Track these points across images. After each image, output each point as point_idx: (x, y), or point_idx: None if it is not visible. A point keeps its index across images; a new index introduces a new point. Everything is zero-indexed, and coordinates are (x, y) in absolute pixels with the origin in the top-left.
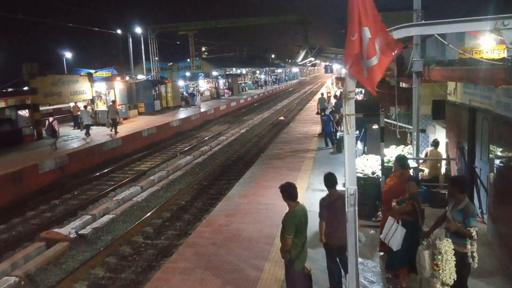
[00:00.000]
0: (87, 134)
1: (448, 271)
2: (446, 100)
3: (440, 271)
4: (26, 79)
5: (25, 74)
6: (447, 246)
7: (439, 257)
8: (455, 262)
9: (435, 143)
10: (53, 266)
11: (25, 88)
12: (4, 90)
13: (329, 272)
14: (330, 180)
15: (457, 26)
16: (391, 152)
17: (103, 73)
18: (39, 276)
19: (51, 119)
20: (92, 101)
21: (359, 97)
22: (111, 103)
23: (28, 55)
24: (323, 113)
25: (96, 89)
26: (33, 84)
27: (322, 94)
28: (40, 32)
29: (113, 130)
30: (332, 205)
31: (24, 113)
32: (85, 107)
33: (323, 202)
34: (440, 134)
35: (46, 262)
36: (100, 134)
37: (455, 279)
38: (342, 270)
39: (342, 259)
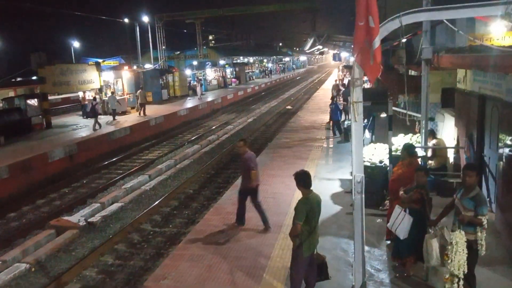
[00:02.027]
0: (114, 119)
1: (457, 263)
2: (455, 88)
3: (449, 262)
4: (35, 69)
5: (34, 63)
6: (458, 238)
7: (449, 247)
8: (466, 255)
9: (432, 133)
10: (63, 253)
11: (34, 78)
12: (13, 80)
13: None
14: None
15: (467, 11)
16: (399, 141)
17: (111, 62)
18: (49, 263)
19: (94, 102)
20: (100, 90)
21: (367, 86)
22: (110, 94)
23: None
24: (331, 102)
25: (104, 78)
26: (41, 74)
27: (335, 81)
28: (47, 21)
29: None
30: None
31: (33, 102)
32: (112, 93)
33: None
34: (449, 122)
35: (56, 249)
36: (108, 122)
37: (465, 271)
38: None
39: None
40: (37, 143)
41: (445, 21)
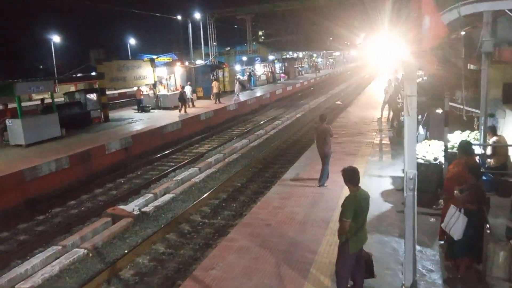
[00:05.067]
0: (185, 110)
1: None
2: None
3: None
4: (94, 65)
5: (93, 60)
6: None
7: None
8: None
9: (493, 129)
10: (118, 240)
11: (93, 73)
12: (74, 75)
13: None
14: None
15: None
16: (456, 138)
17: (164, 58)
18: (105, 249)
19: (181, 91)
20: (154, 85)
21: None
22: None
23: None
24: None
25: (157, 74)
26: (100, 69)
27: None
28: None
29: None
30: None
31: (92, 96)
32: (189, 84)
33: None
34: (510, 118)
35: (112, 237)
36: (161, 117)
37: None
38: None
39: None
40: (96, 136)
41: (507, 11)
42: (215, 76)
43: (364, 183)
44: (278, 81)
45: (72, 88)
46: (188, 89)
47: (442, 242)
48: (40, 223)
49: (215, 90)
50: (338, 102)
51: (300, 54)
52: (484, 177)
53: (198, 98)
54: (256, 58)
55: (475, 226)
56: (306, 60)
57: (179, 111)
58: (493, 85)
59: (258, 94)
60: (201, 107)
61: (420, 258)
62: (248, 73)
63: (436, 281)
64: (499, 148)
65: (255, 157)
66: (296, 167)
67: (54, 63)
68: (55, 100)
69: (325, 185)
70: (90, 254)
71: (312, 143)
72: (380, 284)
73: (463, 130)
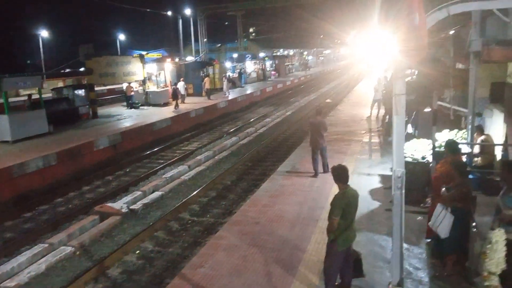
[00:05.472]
0: (177, 106)
1: (496, 261)
2: (505, 82)
3: (487, 260)
4: (82, 60)
5: (81, 55)
6: (498, 236)
7: (488, 246)
8: (505, 252)
9: (480, 128)
10: (106, 238)
11: (81, 69)
12: (62, 71)
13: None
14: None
15: None
16: (444, 137)
17: (154, 54)
18: (93, 247)
19: (174, 87)
20: (144, 82)
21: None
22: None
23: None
24: None
25: (147, 70)
26: (88, 65)
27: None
28: (95, 14)
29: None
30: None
31: (81, 92)
32: (183, 80)
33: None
34: (497, 118)
35: (100, 234)
36: (151, 114)
37: (503, 268)
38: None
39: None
40: (84, 132)
41: (495, 11)
42: (205, 73)
43: (353, 181)
44: (269, 79)
45: (60, 84)
46: (181, 85)
47: (429, 240)
48: (27, 220)
49: (207, 86)
50: (328, 100)
51: (291, 52)
52: (471, 176)
53: (188, 95)
54: (247, 55)
55: (461, 224)
56: (297, 57)
57: (175, 107)
58: (481, 84)
59: (249, 91)
60: (192, 103)
61: (407, 256)
62: (238, 70)
63: (423, 278)
64: (486, 147)
65: (245, 155)
66: (285, 165)
67: (42, 58)
68: (43, 95)
69: (317, 174)
70: (78, 252)
71: (301, 142)
72: (368, 281)
73: (451, 129)
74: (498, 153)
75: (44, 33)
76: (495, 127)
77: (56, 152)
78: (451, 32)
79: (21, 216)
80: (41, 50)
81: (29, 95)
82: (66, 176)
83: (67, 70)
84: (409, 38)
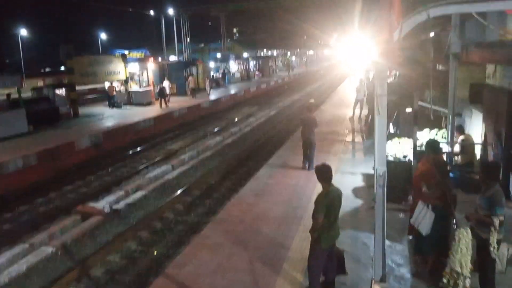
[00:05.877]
0: (166, 104)
1: (459, 259)
2: (484, 83)
3: (451, 257)
4: (63, 60)
5: (62, 54)
6: (462, 235)
7: (453, 243)
8: (474, 251)
9: (460, 128)
10: (88, 238)
11: (62, 69)
12: (42, 70)
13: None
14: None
15: (499, 4)
16: (425, 136)
17: (137, 54)
18: (74, 247)
19: (161, 86)
20: (126, 81)
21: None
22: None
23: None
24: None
25: (129, 70)
26: (69, 65)
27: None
28: (76, 13)
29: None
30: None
31: (61, 92)
32: (168, 79)
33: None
34: (476, 118)
35: (82, 235)
36: (133, 113)
37: (472, 270)
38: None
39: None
40: (65, 132)
41: (474, 14)
42: (188, 73)
43: (337, 180)
44: (253, 79)
45: (40, 83)
46: (166, 84)
47: (411, 237)
48: (6, 221)
49: (191, 85)
50: (312, 101)
51: (275, 53)
52: (451, 174)
53: (172, 95)
54: (230, 56)
55: (442, 221)
56: (281, 58)
57: (160, 106)
58: (461, 85)
59: (233, 91)
60: (176, 102)
61: (390, 253)
62: (222, 71)
63: (405, 274)
64: (466, 146)
65: (229, 154)
66: (270, 164)
67: (22, 57)
68: (23, 95)
69: (308, 169)
70: (59, 252)
71: (286, 141)
72: (351, 277)
73: (431, 129)
74: (478, 152)
75: (23, 32)
76: (475, 127)
77: (36, 152)
78: (431, 34)
79: (0, 217)
80: (20, 49)
81: (8, 94)
82: (47, 176)
83: (47, 69)
84: (386, 41)
